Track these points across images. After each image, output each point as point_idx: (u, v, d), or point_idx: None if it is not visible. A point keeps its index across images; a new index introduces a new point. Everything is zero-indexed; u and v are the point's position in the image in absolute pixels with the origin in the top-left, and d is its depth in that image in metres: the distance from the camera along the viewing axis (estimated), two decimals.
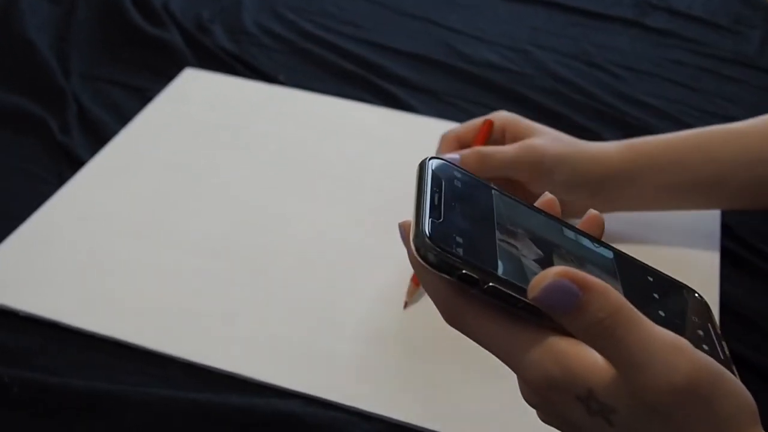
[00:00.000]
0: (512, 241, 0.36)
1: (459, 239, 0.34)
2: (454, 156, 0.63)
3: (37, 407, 0.53)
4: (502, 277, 0.34)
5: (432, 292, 0.36)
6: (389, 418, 0.54)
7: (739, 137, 0.64)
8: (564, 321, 0.33)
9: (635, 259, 0.40)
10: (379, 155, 0.77)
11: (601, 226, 0.40)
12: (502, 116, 0.67)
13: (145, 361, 0.57)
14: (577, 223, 0.41)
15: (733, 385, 0.33)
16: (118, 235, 0.66)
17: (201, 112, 0.81)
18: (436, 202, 0.35)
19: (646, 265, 0.40)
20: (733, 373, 0.34)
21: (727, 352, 0.37)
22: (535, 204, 0.40)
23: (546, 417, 0.37)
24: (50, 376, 0.55)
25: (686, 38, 0.97)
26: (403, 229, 0.36)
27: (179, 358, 0.57)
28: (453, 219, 0.35)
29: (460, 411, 0.55)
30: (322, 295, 0.62)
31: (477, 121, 0.67)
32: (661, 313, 0.37)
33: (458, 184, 0.37)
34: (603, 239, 0.40)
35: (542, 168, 0.63)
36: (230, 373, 0.56)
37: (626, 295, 0.34)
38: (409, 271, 0.61)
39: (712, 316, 0.40)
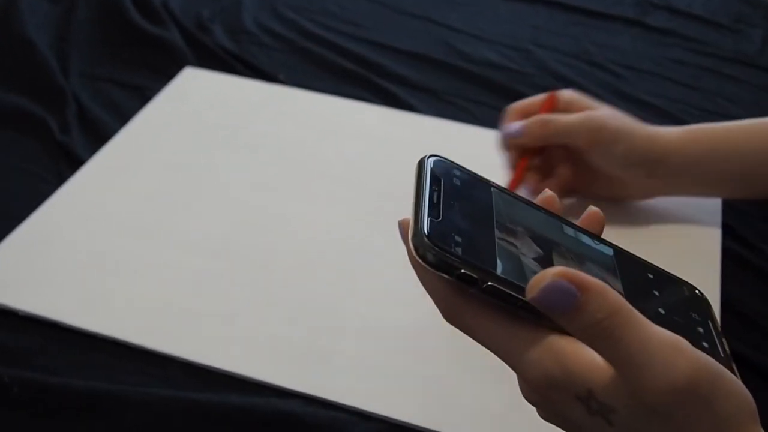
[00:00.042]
0: (511, 240, 0.36)
1: (458, 238, 0.34)
2: (518, 124, 0.66)
3: (37, 407, 0.53)
4: (501, 276, 0.33)
5: (431, 291, 0.36)
6: (389, 418, 0.54)
7: None
8: (562, 321, 0.33)
9: (635, 255, 0.40)
10: (379, 154, 0.76)
11: (601, 223, 0.40)
12: (567, 92, 0.69)
13: (145, 361, 0.57)
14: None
15: (732, 384, 0.33)
16: (117, 235, 0.66)
17: (201, 112, 0.81)
18: (434, 201, 0.35)
19: (647, 261, 0.40)
20: (732, 370, 0.34)
21: (728, 350, 0.37)
22: (535, 201, 0.40)
23: (546, 415, 0.37)
24: (50, 376, 0.55)
25: (687, 37, 0.97)
26: (402, 227, 0.36)
27: (179, 358, 0.57)
28: (452, 218, 0.35)
29: (460, 411, 0.55)
30: (321, 295, 0.62)
31: (542, 95, 0.70)
32: (661, 310, 0.37)
33: (457, 182, 0.37)
34: (603, 236, 0.40)
35: (602, 137, 0.65)
36: (230, 372, 0.56)
37: (626, 292, 0.33)
38: (409, 270, 0.60)
39: (713, 313, 0.39)
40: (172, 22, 0.93)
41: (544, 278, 0.32)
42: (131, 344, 0.57)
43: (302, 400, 0.54)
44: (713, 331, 0.38)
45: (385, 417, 0.54)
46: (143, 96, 0.83)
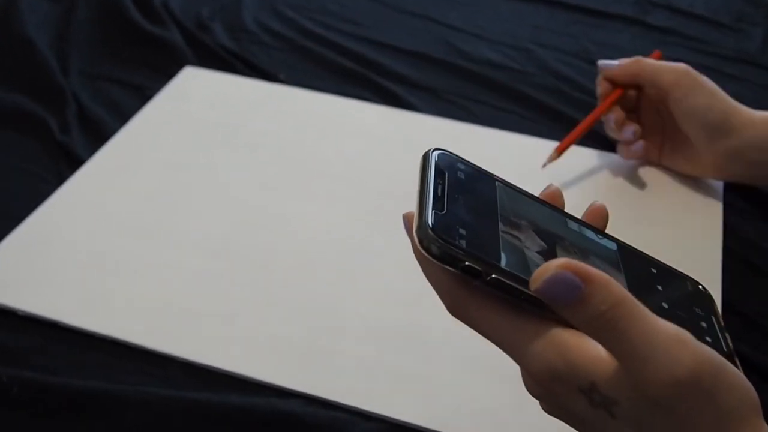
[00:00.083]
0: (515, 233, 0.36)
1: (462, 231, 0.34)
2: (613, 62, 0.74)
3: (37, 407, 0.53)
4: (505, 268, 0.33)
5: (435, 283, 0.36)
6: (389, 418, 0.53)
7: None
8: (566, 313, 0.33)
9: (639, 250, 0.40)
10: (379, 153, 0.76)
11: (605, 217, 0.40)
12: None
13: (144, 361, 0.57)
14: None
15: (735, 377, 0.33)
16: (117, 235, 0.66)
17: (201, 111, 0.81)
18: (439, 194, 0.35)
19: (650, 256, 0.40)
20: (735, 365, 0.34)
21: (731, 344, 0.37)
22: (539, 195, 0.40)
23: (549, 408, 0.37)
24: (50, 375, 0.55)
25: (688, 36, 0.96)
26: (407, 220, 0.36)
27: (179, 357, 0.57)
28: (456, 211, 0.35)
29: (460, 411, 0.54)
30: (322, 295, 0.62)
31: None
32: (665, 304, 0.37)
33: (461, 175, 0.37)
34: (607, 231, 0.40)
35: (685, 81, 0.69)
36: (230, 372, 0.56)
37: (629, 287, 0.33)
38: (409, 270, 0.60)
39: (716, 307, 0.39)
40: (172, 21, 0.93)
41: (547, 270, 0.32)
42: (131, 344, 0.57)
43: (302, 400, 0.54)
44: (716, 326, 0.38)
45: (385, 417, 0.53)
46: (143, 95, 0.82)
